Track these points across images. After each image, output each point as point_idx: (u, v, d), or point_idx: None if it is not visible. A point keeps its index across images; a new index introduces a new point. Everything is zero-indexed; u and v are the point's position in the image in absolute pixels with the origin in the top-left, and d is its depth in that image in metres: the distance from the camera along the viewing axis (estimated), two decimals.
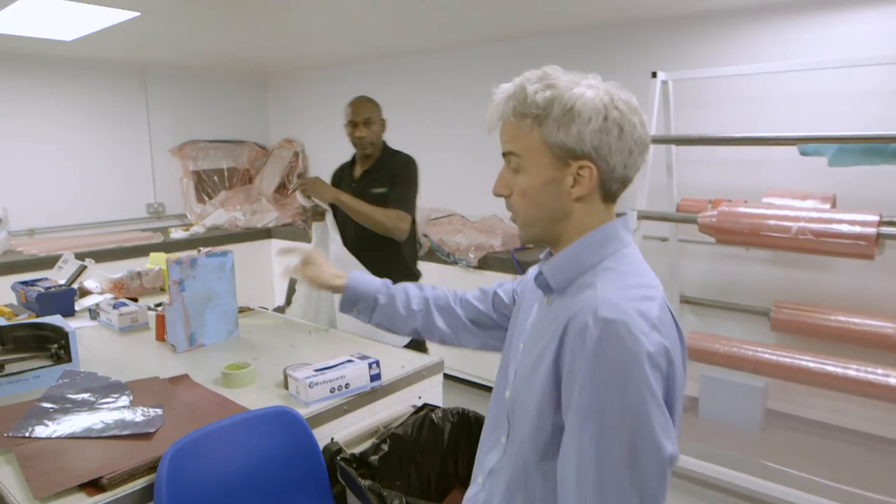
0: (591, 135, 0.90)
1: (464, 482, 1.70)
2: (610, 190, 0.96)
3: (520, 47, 3.93)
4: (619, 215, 1.00)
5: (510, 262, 3.46)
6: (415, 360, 1.92)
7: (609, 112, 0.90)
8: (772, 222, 2.48)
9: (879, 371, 2.59)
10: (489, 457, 1.10)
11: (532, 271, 1.13)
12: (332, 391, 1.61)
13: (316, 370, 1.63)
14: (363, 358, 1.72)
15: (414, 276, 2.62)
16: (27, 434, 1.40)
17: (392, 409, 1.77)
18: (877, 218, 2.36)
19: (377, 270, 2.13)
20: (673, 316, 0.92)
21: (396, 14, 3.19)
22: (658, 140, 2.81)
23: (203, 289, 2.05)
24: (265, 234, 4.97)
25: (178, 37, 3.68)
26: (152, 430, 1.41)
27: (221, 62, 4.83)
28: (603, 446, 0.80)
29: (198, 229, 4.78)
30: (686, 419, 3.21)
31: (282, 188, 5.54)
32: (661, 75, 2.84)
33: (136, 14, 2.98)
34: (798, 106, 3.02)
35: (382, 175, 2.49)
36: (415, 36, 3.81)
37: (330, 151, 5.75)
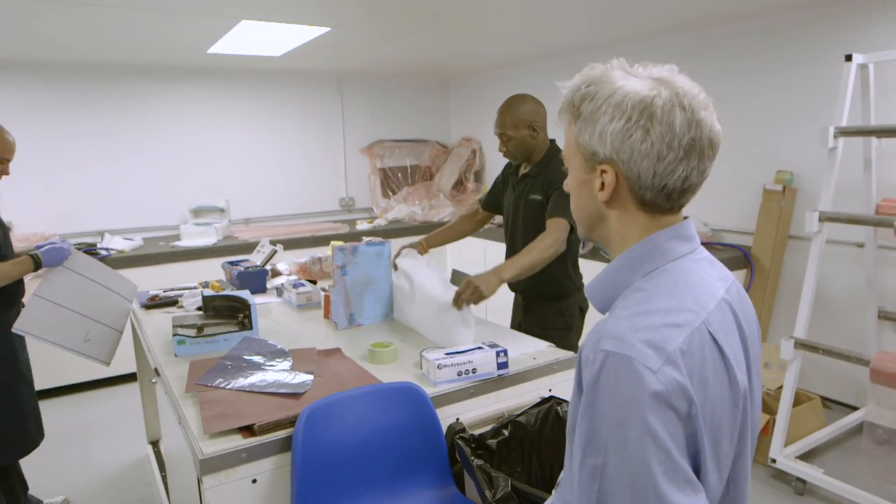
0: (611, 136, 0.82)
1: None
2: (644, 198, 0.85)
3: (703, 36, 3.69)
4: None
5: None
6: (548, 353, 1.95)
7: (636, 111, 0.80)
8: None
9: None
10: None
11: None
12: (458, 374, 1.71)
13: (447, 353, 1.74)
14: (493, 346, 1.79)
15: (571, 282, 2.43)
16: (210, 384, 1.70)
17: (520, 398, 1.82)
18: None
19: (536, 278, 2.22)
20: (719, 347, 0.78)
21: (576, 11, 3.19)
22: (850, 132, 2.49)
23: (362, 274, 2.28)
24: (439, 227, 5.24)
25: (367, 46, 4.05)
26: (301, 392, 1.62)
27: (407, 67, 5.20)
28: (603, 485, 0.73)
29: (380, 222, 5.21)
30: (887, 454, 2.80)
31: (459, 185, 5.80)
32: (857, 58, 2.51)
33: (328, 29, 3.36)
34: None
35: (539, 181, 2.34)
36: (592, 31, 3.77)
37: None
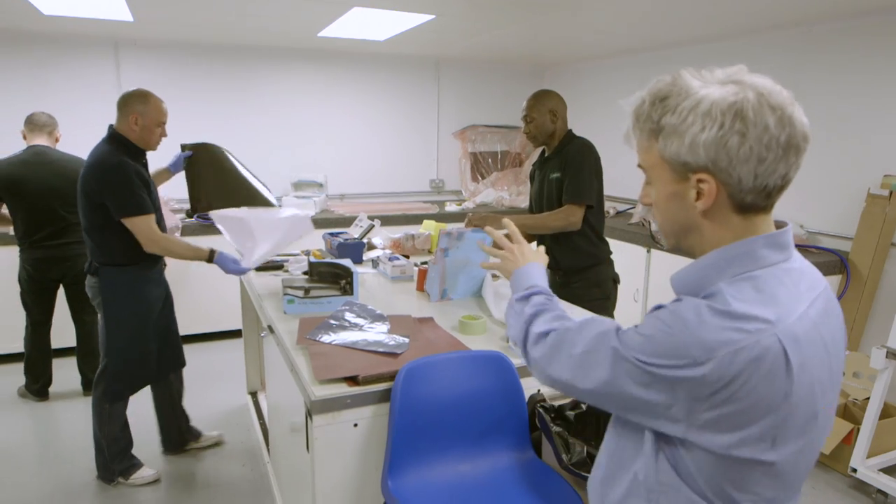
0: (705, 146, 0.82)
1: None
2: (743, 202, 0.85)
3: (797, 35, 3.57)
4: (780, 225, 0.89)
5: None
6: None
7: (727, 116, 0.81)
8: None
9: None
10: None
11: None
12: None
13: None
14: None
15: (598, 252, 2.69)
16: (318, 338, 1.90)
17: None
18: None
19: (565, 254, 2.62)
20: (787, 357, 0.79)
21: (674, 4, 3.19)
22: None
23: (463, 257, 2.43)
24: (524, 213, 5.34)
25: (467, 34, 4.18)
26: (399, 353, 1.79)
27: (504, 55, 5.29)
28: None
29: (468, 205, 5.36)
30: None
31: None
32: None
33: (432, 17, 3.51)
34: None
35: (557, 161, 2.66)
36: (692, 25, 3.73)
37: (597, 140, 5.89)
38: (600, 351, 0.90)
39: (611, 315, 2.63)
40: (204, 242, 2.69)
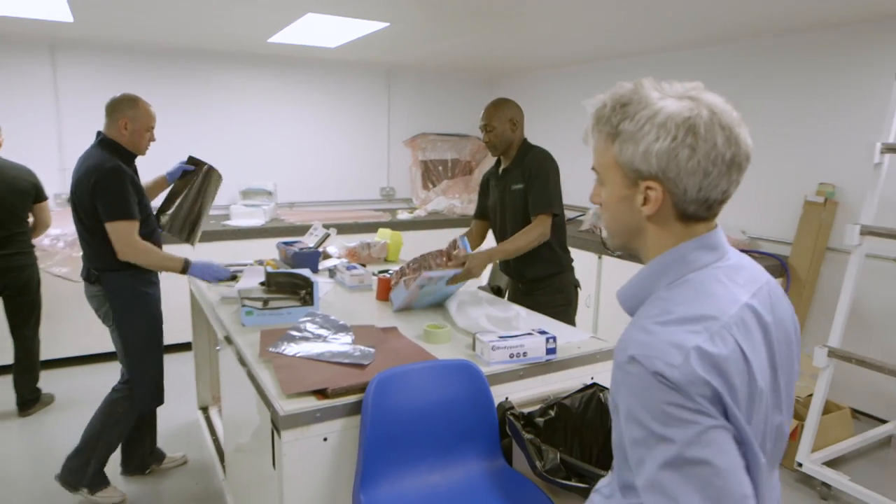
0: (657, 155, 0.86)
1: None
2: (686, 211, 0.90)
3: (745, 48, 3.75)
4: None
5: None
6: (592, 343, 2.07)
7: (680, 130, 0.85)
8: None
9: None
10: None
11: None
12: (510, 356, 1.84)
13: (500, 337, 1.87)
14: (542, 332, 1.91)
15: (561, 261, 2.70)
16: (281, 351, 1.85)
17: (565, 383, 1.94)
18: None
19: (529, 263, 2.60)
20: (740, 346, 0.83)
21: (623, 16, 3.28)
22: (892, 148, 2.55)
23: (434, 288, 2.40)
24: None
25: (420, 42, 4.18)
26: (366, 363, 1.77)
27: (455, 63, 5.32)
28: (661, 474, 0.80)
29: (420, 213, 5.35)
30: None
31: None
32: None
33: (387, 24, 3.50)
34: None
35: (518, 172, 2.64)
36: (640, 37, 3.85)
37: (550, 148, 5.99)
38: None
39: (572, 320, 2.64)
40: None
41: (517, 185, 2.64)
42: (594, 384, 1.89)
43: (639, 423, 0.82)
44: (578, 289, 2.75)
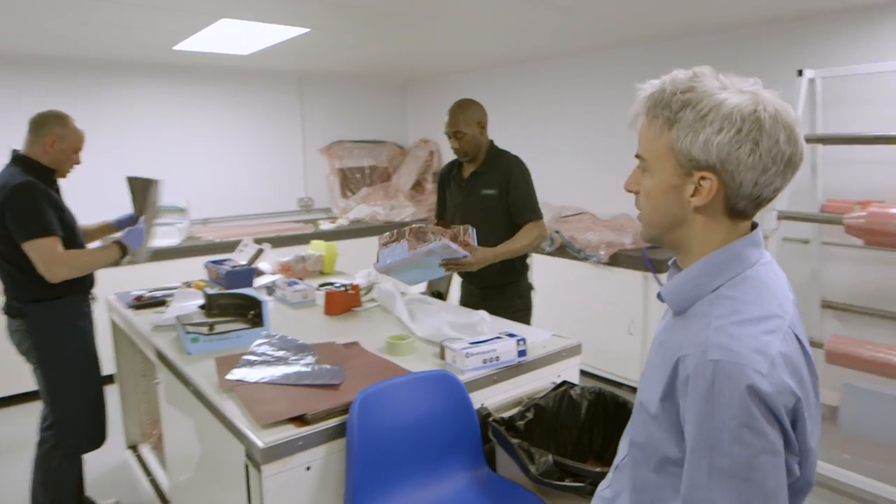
0: (718, 146, 0.84)
1: (598, 456, 1.84)
2: (736, 206, 0.88)
3: (656, 49, 3.96)
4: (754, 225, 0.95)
5: (641, 261, 3.52)
6: (556, 342, 2.09)
7: (746, 123, 0.83)
8: None
9: None
10: (620, 451, 1.10)
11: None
12: (484, 362, 1.82)
13: (471, 343, 1.85)
14: (511, 336, 1.91)
15: (520, 266, 2.68)
16: (243, 378, 1.73)
17: (534, 384, 1.95)
18: None
19: (494, 269, 2.46)
20: (801, 343, 0.86)
21: (531, 20, 3.34)
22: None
23: (428, 263, 2.30)
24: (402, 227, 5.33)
25: (336, 49, 4.08)
26: (338, 383, 1.69)
27: (368, 70, 5.25)
28: (731, 483, 0.79)
29: (342, 222, 5.23)
30: (825, 429, 3.11)
31: (417, 186, 5.89)
32: (807, 73, 2.80)
33: (307, 30, 3.38)
34: None
35: (492, 177, 2.54)
36: (548, 41, 3.95)
37: None
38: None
39: (529, 322, 2.62)
40: None
41: (489, 191, 2.54)
42: (564, 382, 1.92)
43: (706, 429, 0.80)
44: (534, 292, 2.75)
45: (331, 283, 2.79)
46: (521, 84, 4.93)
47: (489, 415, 1.75)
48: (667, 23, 3.45)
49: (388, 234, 2.38)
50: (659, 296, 0.98)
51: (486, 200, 2.56)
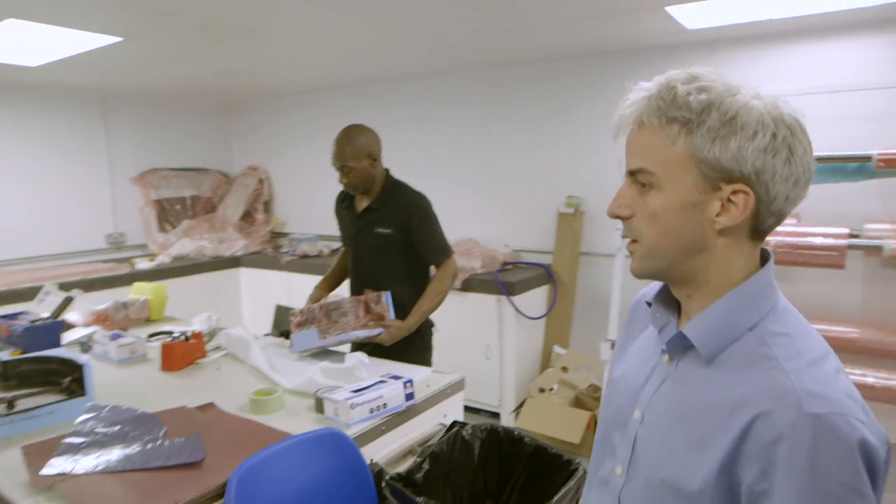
0: (754, 153, 0.71)
1: (494, 497, 1.73)
2: (762, 224, 0.76)
3: (495, 75, 4.04)
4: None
5: (494, 284, 3.52)
6: (438, 379, 1.94)
7: (780, 128, 0.71)
8: None
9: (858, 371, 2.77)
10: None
11: (636, 309, 1.01)
12: (371, 411, 1.61)
13: (353, 391, 1.63)
14: (396, 378, 1.73)
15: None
16: (66, 471, 1.34)
17: (422, 427, 1.79)
18: (847, 231, 2.56)
19: (396, 307, 2.25)
20: None
21: (362, 41, 3.21)
22: None
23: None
24: (234, 262, 4.87)
25: (143, 64, 3.60)
26: (199, 459, 1.38)
27: (183, 90, 4.75)
28: None
29: (163, 259, 4.64)
30: None
31: (247, 216, 5.44)
32: None
33: (119, 39, 2.93)
34: None
35: (388, 214, 2.31)
36: (381, 63, 3.85)
37: (297, 178, 5.63)
38: None
39: (429, 362, 2.37)
40: None
41: (383, 229, 2.30)
42: (455, 422, 1.77)
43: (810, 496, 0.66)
44: (434, 329, 2.48)
45: (165, 333, 2.38)
46: (353, 107, 4.78)
47: (381, 471, 1.55)
48: (503, 49, 3.52)
49: (298, 311, 2.25)
50: (671, 342, 0.81)
51: (380, 239, 2.32)
